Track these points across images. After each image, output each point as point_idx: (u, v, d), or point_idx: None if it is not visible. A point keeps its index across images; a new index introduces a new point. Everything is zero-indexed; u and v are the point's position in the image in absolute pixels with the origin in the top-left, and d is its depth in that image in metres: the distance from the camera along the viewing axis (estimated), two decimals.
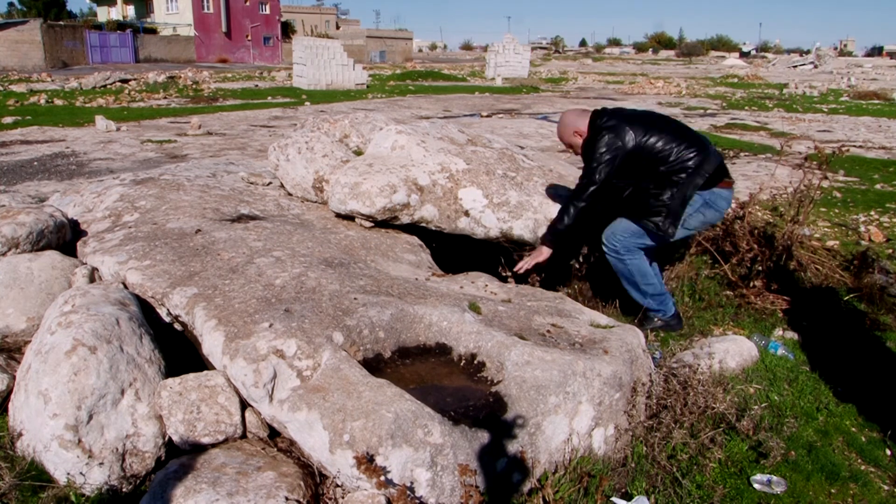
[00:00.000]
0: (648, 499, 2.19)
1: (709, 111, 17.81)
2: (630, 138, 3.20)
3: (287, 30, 55.63)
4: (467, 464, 1.97)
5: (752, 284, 4.01)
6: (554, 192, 3.84)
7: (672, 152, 3.20)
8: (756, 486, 2.34)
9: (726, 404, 2.56)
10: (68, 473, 2.09)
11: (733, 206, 4.21)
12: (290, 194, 3.99)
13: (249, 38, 51.26)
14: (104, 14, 52.21)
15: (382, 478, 1.90)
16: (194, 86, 22.85)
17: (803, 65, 49.70)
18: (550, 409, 2.23)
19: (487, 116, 16.04)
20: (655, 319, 3.55)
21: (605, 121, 3.28)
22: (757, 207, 4.31)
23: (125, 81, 23.40)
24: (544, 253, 3.39)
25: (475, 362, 2.43)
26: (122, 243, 3.04)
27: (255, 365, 2.16)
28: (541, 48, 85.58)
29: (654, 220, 3.28)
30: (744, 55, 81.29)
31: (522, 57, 34.96)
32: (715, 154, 3.31)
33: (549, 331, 2.63)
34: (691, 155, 3.21)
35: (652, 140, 3.21)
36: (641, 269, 3.42)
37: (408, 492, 1.91)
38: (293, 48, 24.95)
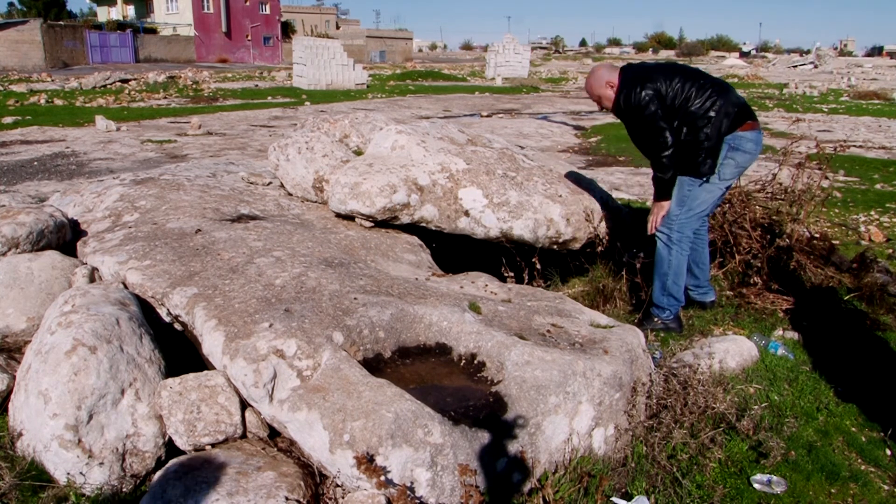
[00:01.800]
0: (648, 499, 2.19)
1: None
2: (660, 83, 3.30)
3: (287, 30, 55.61)
4: (467, 464, 1.97)
5: (752, 281, 4.01)
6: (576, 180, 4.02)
7: (697, 93, 3.29)
8: (756, 486, 2.34)
9: (726, 404, 2.56)
10: (68, 473, 2.09)
11: (735, 205, 4.21)
12: (290, 194, 3.99)
13: (249, 38, 51.25)
14: (104, 14, 52.17)
15: (382, 478, 1.90)
16: (194, 86, 22.86)
17: (803, 65, 49.70)
18: (550, 409, 2.23)
19: (487, 116, 16.05)
20: (656, 320, 3.56)
21: (634, 73, 3.38)
22: (758, 207, 4.30)
23: (125, 81, 23.41)
24: (665, 206, 3.49)
25: (475, 362, 2.43)
26: (122, 243, 3.04)
27: (255, 365, 2.16)
28: (541, 48, 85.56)
29: (692, 165, 3.34)
30: (744, 55, 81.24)
31: (522, 57, 34.96)
32: (735, 94, 3.40)
33: (549, 331, 2.63)
34: (714, 95, 3.30)
35: (677, 84, 3.31)
36: (679, 269, 3.49)
37: (408, 492, 1.91)
38: (293, 48, 24.96)
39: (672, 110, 3.29)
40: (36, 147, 10.19)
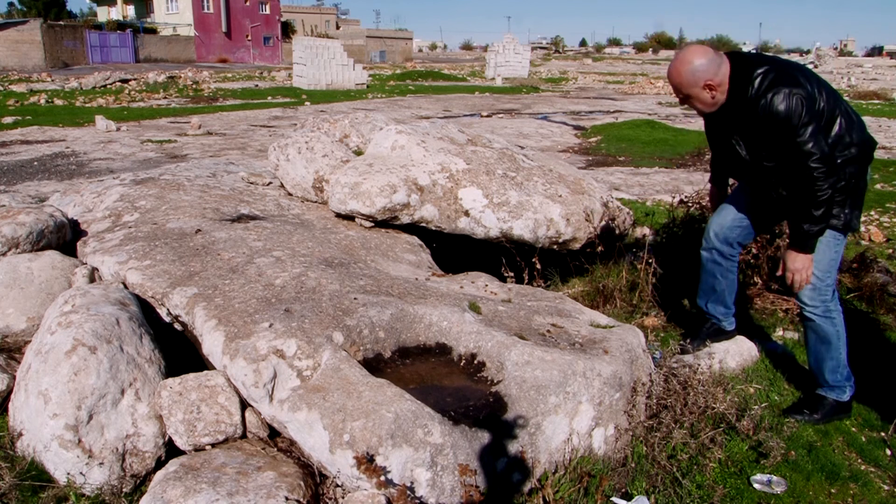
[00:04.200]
0: (648, 499, 2.19)
1: None
2: (808, 86, 2.41)
3: (287, 30, 55.61)
4: (467, 464, 1.97)
5: (752, 281, 4.01)
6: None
7: (842, 110, 2.52)
8: (756, 485, 2.34)
9: (726, 404, 2.56)
10: (68, 473, 2.09)
11: None
12: (290, 194, 3.99)
13: (249, 38, 51.25)
14: (104, 14, 52.17)
15: (382, 478, 1.90)
16: (194, 86, 22.86)
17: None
18: (550, 409, 2.23)
19: (487, 116, 16.05)
20: (829, 399, 2.80)
21: (771, 66, 2.45)
22: None
23: (125, 81, 23.41)
24: (809, 260, 2.56)
25: (475, 362, 2.43)
26: (122, 243, 3.04)
27: (255, 365, 2.16)
28: (541, 48, 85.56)
29: (837, 213, 2.53)
30: None
31: (522, 57, 34.99)
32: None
33: (549, 331, 2.63)
34: (855, 117, 2.57)
35: (822, 92, 2.45)
36: (844, 335, 2.71)
37: (408, 492, 1.91)
38: (293, 48, 24.96)
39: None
40: (36, 147, 10.19)
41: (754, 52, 2.59)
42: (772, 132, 2.41)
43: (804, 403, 2.85)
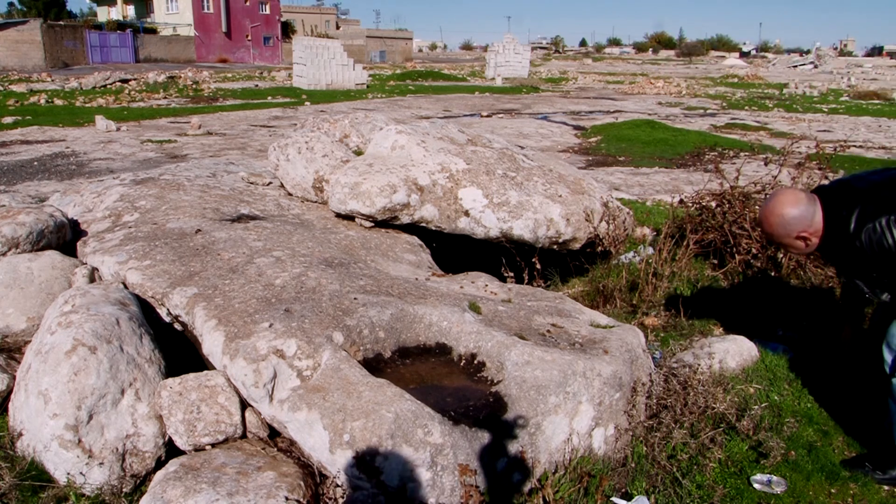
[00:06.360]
0: (648, 499, 2.19)
1: (709, 111, 17.82)
2: None
3: (287, 30, 55.60)
4: (467, 464, 1.97)
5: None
6: None
7: None
8: (756, 485, 2.34)
9: (726, 404, 2.56)
10: (68, 473, 2.09)
11: (735, 205, 4.21)
12: (290, 194, 3.99)
13: (249, 38, 51.24)
14: (104, 14, 52.16)
15: (382, 477, 1.90)
16: (194, 86, 22.87)
17: (803, 65, 49.77)
18: (550, 409, 2.23)
19: (487, 116, 16.05)
20: None
21: (855, 204, 2.27)
22: (757, 207, 4.30)
23: (125, 81, 23.42)
24: None
25: (475, 362, 2.43)
26: (122, 243, 3.04)
27: (255, 365, 2.16)
28: (541, 48, 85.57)
29: None
30: (744, 55, 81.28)
31: (522, 57, 35.00)
32: None
33: (549, 331, 2.63)
34: None
35: None
36: None
37: (408, 492, 1.90)
38: (293, 48, 24.97)
39: None
40: (36, 147, 10.19)
41: (841, 177, 2.46)
42: (891, 267, 2.25)
43: (869, 457, 2.56)
